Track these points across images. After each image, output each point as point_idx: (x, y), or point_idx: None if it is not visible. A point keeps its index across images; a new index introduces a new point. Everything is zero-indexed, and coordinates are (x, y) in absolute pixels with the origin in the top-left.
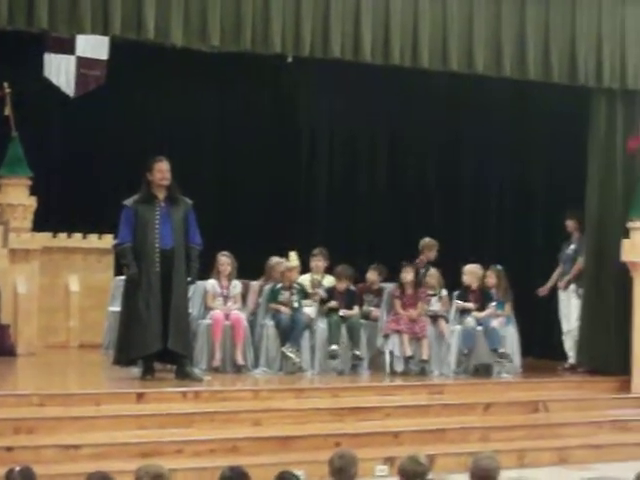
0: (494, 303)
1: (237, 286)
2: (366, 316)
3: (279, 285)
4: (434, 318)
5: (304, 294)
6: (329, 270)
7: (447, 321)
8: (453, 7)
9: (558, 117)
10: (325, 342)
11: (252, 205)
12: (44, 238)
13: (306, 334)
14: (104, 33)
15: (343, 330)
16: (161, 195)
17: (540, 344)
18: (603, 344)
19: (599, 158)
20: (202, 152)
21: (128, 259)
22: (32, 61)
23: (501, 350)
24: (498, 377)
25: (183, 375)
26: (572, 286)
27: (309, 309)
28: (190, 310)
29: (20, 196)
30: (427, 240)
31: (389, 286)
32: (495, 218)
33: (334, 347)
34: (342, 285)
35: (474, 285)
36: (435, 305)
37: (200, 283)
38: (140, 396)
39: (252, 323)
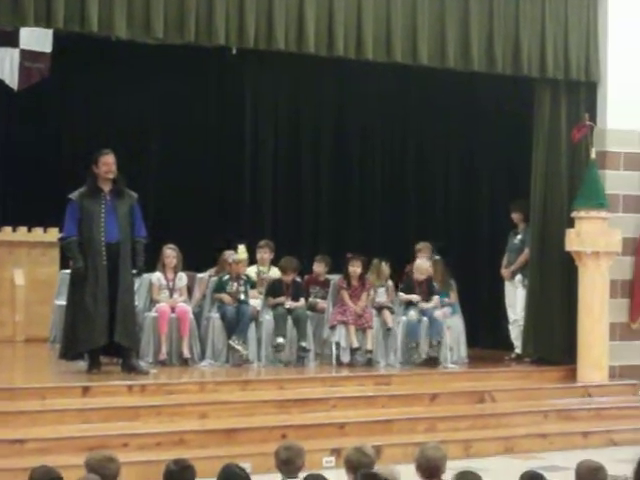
0: (442, 297)
1: (183, 278)
2: (312, 308)
3: (226, 276)
4: (380, 309)
5: (251, 285)
6: (275, 262)
7: (392, 312)
8: None
9: (502, 106)
10: (271, 334)
11: (198, 197)
12: None
13: (252, 326)
14: (47, 26)
15: (289, 322)
16: (107, 188)
17: (486, 334)
18: (548, 334)
19: (544, 148)
20: (147, 144)
21: (74, 253)
22: None
23: (435, 343)
24: (444, 368)
25: (129, 368)
26: (518, 276)
27: (255, 301)
28: (136, 303)
29: None
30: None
31: (335, 278)
32: (440, 208)
33: (280, 340)
34: (288, 277)
35: (422, 278)
36: (381, 296)
37: (146, 276)
38: (86, 390)
39: (198, 315)
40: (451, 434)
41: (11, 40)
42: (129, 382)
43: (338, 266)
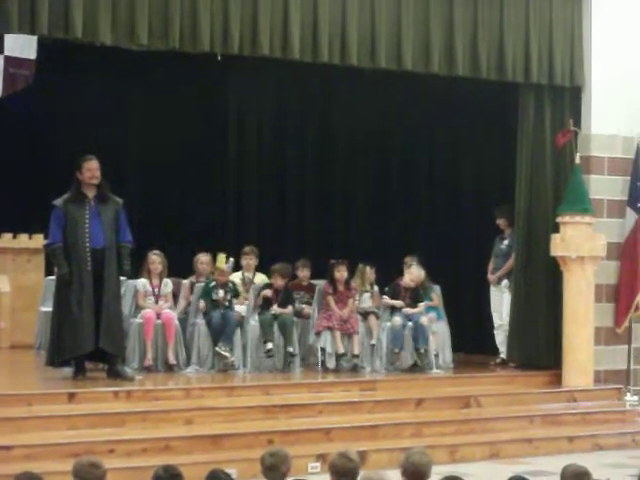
0: (424, 301)
1: (168, 285)
2: (298, 313)
3: (212, 283)
4: (365, 315)
5: (235, 294)
6: (259, 268)
7: (378, 317)
8: (381, 4)
9: (487, 112)
10: (257, 340)
11: (182, 203)
12: None
13: (238, 332)
14: (32, 32)
15: (275, 328)
16: (91, 194)
17: (471, 339)
18: (533, 339)
19: (528, 153)
20: (131, 150)
21: (59, 259)
22: None
23: (422, 351)
24: (429, 373)
25: (115, 375)
26: (504, 281)
27: (240, 307)
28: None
29: None
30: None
31: (319, 283)
32: (426, 213)
33: (270, 346)
34: (279, 283)
35: (411, 285)
36: (366, 302)
37: (131, 282)
38: (72, 396)
39: (183, 322)
40: (437, 439)
41: None
42: (115, 388)
43: (321, 272)
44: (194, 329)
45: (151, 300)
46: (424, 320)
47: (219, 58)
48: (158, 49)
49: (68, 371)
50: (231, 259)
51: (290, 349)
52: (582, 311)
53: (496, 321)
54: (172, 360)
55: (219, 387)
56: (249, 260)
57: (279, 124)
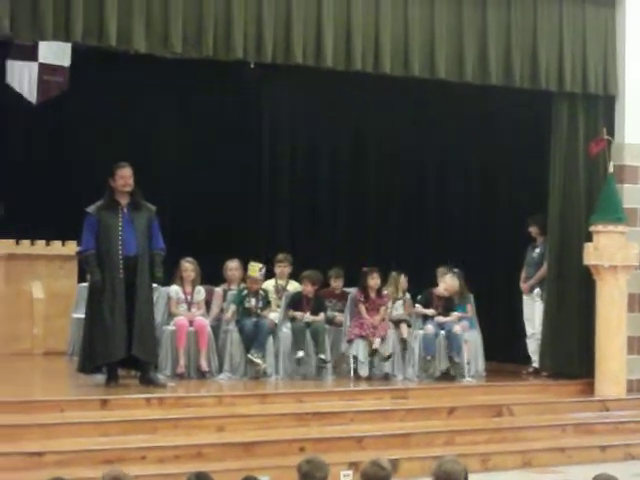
0: (457, 310)
1: (201, 292)
2: (330, 321)
3: (245, 291)
4: (397, 323)
5: (267, 302)
6: (292, 276)
7: (409, 325)
8: (415, 13)
9: (520, 122)
10: (290, 347)
11: (216, 211)
12: (7, 245)
13: (270, 339)
14: (66, 40)
15: (307, 335)
16: (124, 201)
17: (504, 348)
18: (566, 348)
19: (561, 162)
20: (165, 158)
21: (92, 266)
22: None
23: (457, 360)
24: (461, 381)
25: (147, 381)
26: (537, 290)
27: (273, 314)
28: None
29: None
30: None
31: (352, 290)
32: (459, 223)
33: (300, 354)
34: (309, 289)
35: (445, 294)
36: (399, 309)
37: (163, 289)
38: (104, 403)
39: (216, 329)
40: (469, 448)
41: (30, 54)
42: (147, 395)
43: (352, 279)
44: (226, 336)
45: (184, 307)
46: (457, 329)
47: (252, 66)
48: (192, 57)
49: (101, 378)
50: (263, 267)
51: (322, 356)
52: (615, 320)
53: (528, 330)
54: (204, 367)
55: (251, 394)
56: (283, 268)
57: (312, 131)
